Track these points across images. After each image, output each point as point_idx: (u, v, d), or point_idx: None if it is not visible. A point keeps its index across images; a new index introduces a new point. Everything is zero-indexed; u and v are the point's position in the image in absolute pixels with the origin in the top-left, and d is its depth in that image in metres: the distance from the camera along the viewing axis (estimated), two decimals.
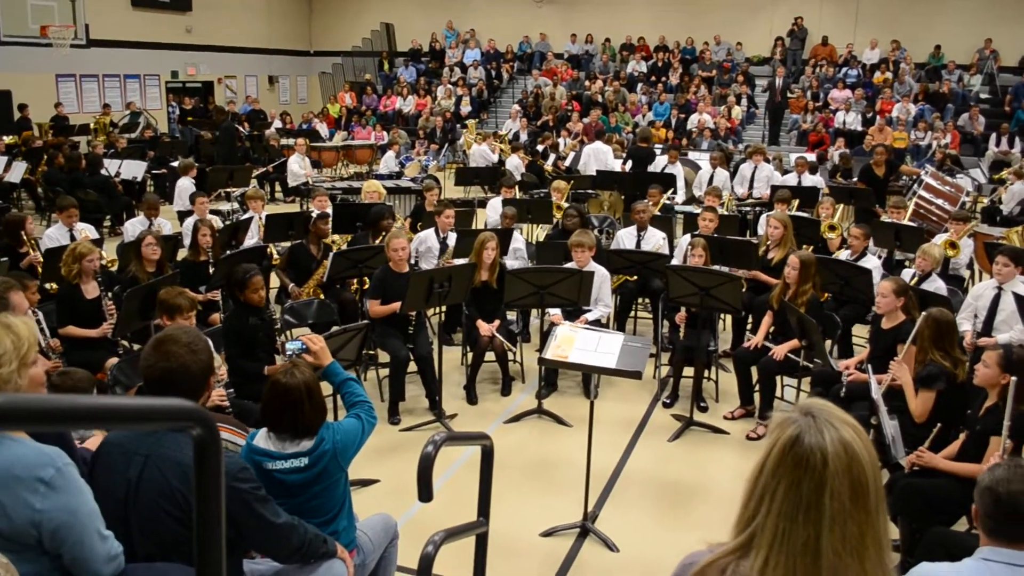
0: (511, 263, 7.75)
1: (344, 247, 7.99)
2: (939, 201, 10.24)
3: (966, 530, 4.23)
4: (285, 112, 21.24)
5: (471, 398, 6.70)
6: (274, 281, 7.57)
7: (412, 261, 7.53)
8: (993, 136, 18.01)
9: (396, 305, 6.22)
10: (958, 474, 4.25)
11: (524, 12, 23.64)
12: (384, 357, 6.69)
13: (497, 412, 6.54)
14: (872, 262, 7.46)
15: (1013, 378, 4.08)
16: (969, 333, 6.30)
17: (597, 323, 6.72)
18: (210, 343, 2.91)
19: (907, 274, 6.99)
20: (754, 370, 6.36)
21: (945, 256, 7.99)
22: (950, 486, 4.24)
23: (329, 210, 8.67)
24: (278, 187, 15.69)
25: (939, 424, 4.52)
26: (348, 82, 23.76)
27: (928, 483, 4.38)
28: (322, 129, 20.38)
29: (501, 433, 6.12)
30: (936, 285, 6.80)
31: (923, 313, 5.02)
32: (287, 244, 8.26)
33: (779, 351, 6.06)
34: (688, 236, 7.80)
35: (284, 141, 17.24)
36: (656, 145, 12.73)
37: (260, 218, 8.83)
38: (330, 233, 8.11)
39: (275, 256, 8.27)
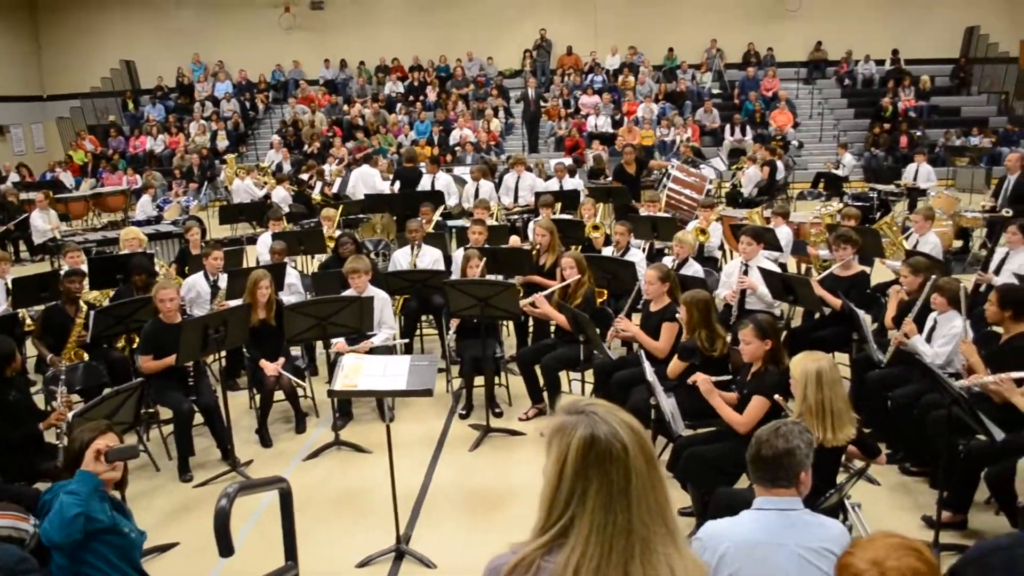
0: (287, 298, 7.58)
1: (106, 303, 7.47)
2: (687, 191, 11.08)
3: (747, 486, 4.61)
4: (22, 164, 19.52)
5: (265, 441, 6.48)
6: (32, 349, 6.96)
7: (184, 309, 7.16)
8: (728, 127, 19.73)
9: (170, 360, 5.92)
10: (720, 412, 4.78)
11: (273, 40, 23.11)
12: (166, 413, 6.33)
13: (294, 451, 6.37)
14: (636, 255, 7.96)
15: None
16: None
17: (386, 346, 6.72)
18: None
19: (667, 261, 7.51)
20: (539, 369, 6.59)
21: (699, 241, 8.69)
22: (730, 449, 4.60)
23: (84, 266, 8.08)
24: (23, 246, 14.43)
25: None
26: (90, 126, 22.23)
27: (710, 449, 4.76)
28: (67, 178, 18.94)
29: (302, 471, 5.98)
30: (694, 269, 7.37)
31: (683, 297, 5.46)
32: (40, 308, 7.59)
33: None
34: (462, 250, 7.97)
35: (24, 195, 15.84)
36: (421, 164, 12.86)
37: (6, 282, 8.07)
38: (82, 291, 7.47)
39: (28, 322, 7.60)
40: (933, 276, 5.95)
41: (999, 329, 5.38)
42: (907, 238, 8.76)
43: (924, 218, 8.43)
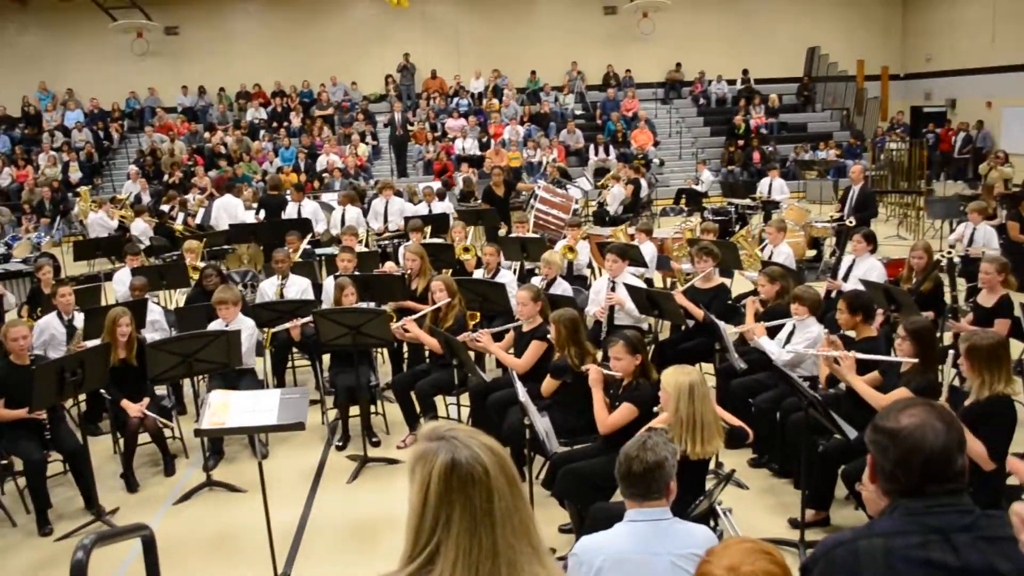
0: (151, 336, 7.28)
1: None
2: (554, 211, 11.30)
3: (622, 500, 4.72)
4: None
5: (131, 486, 6.17)
6: None
7: (39, 351, 6.77)
8: (592, 147, 20.23)
9: (21, 412, 5.60)
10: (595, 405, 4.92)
11: (127, 67, 22.21)
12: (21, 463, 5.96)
13: (164, 495, 6.10)
14: (506, 276, 8.04)
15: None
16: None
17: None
18: None
19: (537, 281, 7.62)
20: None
21: (567, 259, 8.86)
22: (604, 464, 4.69)
23: None
24: None
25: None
26: None
27: (585, 465, 4.84)
28: None
29: (172, 515, 5.75)
30: (563, 288, 7.50)
31: (552, 316, 5.56)
32: None
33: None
34: (332, 278, 7.86)
35: None
36: (286, 191, 12.63)
37: None
38: None
39: None
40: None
41: (851, 333, 5.70)
42: (763, 249, 9.20)
43: (777, 230, 8.87)
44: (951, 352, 6.08)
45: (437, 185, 14.47)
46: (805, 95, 23.45)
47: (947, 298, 7.49)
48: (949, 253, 8.28)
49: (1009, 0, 19.90)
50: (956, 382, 5.68)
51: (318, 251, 10.64)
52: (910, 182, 16.65)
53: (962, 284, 8.63)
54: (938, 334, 6.90)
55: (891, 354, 5.21)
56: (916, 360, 4.87)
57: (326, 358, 7.39)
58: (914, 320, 5.15)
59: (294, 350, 7.85)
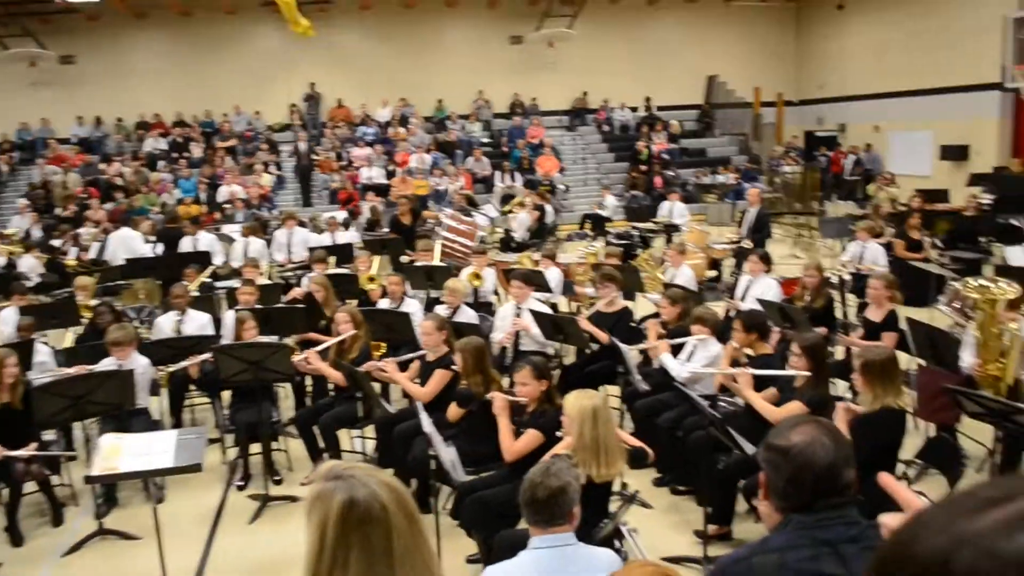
0: (39, 378, 6.94)
1: None
2: (460, 239, 11.32)
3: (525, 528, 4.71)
4: None
5: (16, 539, 5.83)
6: None
7: None
8: (498, 174, 20.35)
9: None
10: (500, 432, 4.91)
11: (17, 97, 21.29)
12: None
13: (51, 546, 5.80)
14: (412, 305, 7.99)
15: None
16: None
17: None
18: None
19: (441, 309, 7.59)
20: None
21: (473, 286, 8.87)
22: (509, 492, 4.68)
23: None
24: None
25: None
26: None
27: (490, 493, 4.82)
28: None
29: (61, 569, 5.48)
30: (467, 315, 7.50)
31: (457, 345, 5.54)
32: None
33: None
34: (232, 312, 7.67)
35: None
36: (185, 223, 12.31)
37: None
38: None
39: None
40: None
41: (750, 351, 5.85)
42: (664, 272, 9.38)
43: (678, 252, 9.08)
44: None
45: (342, 215, 14.34)
46: (705, 121, 24.17)
47: (839, 314, 7.78)
48: (840, 271, 8.60)
49: (894, 31, 20.99)
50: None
51: (218, 284, 10.37)
52: (804, 203, 17.30)
53: (853, 300, 8.97)
54: (830, 349, 7.16)
55: (786, 370, 5.37)
56: (809, 374, 5.04)
57: (226, 395, 7.19)
58: (806, 336, 5.33)
59: (192, 388, 7.61)
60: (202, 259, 10.58)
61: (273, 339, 7.10)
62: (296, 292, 8.79)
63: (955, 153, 19.40)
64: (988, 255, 11.71)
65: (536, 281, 8.09)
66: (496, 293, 9.91)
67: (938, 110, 19.67)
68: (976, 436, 5.86)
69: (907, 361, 6.59)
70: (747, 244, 10.87)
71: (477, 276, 9.06)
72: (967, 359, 5.80)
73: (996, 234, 12.26)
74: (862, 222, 10.61)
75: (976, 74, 17.99)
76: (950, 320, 7.54)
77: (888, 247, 10.58)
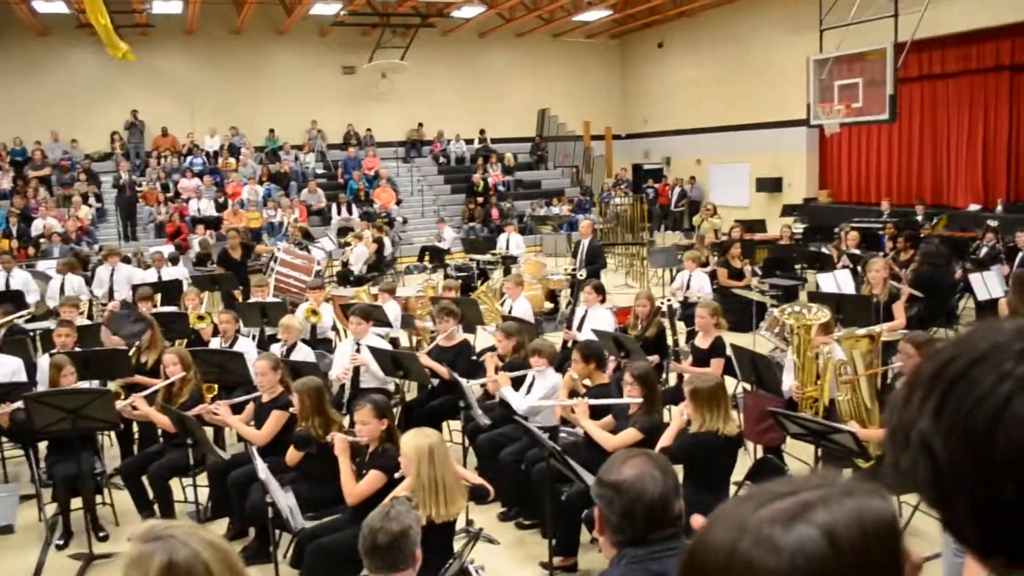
0: None
1: None
2: (296, 273, 11.06)
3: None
4: None
5: None
6: None
7: None
8: (334, 206, 20.07)
9: None
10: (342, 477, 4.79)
11: None
12: None
13: None
14: (245, 344, 7.72)
15: None
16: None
17: None
18: None
19: (276, 348, 7.38)
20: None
21: (311, 322, 8.67)
22: (352, 537, 4.57)
23: None
24: None
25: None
26: None
27: (332, 539, 4.70)
28: None
29: None
30: (304, 353, 7.32)
31: (294, 386, 5.40)
32: None
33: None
34: (47, 356, 7.15)
35: None
36: None
37: None
38: None
39: None
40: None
41: (588, 381, 6.00)
42: (503, 304, 9.50)
43: (515, 284, 9.22)
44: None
45: (169, 249, 13.68)
46: (538, 154, 24.81)
47: (670, 341, 8.11)
48: (669, 300, 8.99)
49: (713, 68, 22.36)
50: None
51: (31, 326, 9.64)
52: (633, 234, 18.02)
53: (682, 328, 9.37)
54: (663, 376, 7.46)
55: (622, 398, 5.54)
56: (641, 401, 5.22)
57: (42, 446, 6.67)
58: (638, 365, 5.53)
59: (3, 439, 7.01)
60: (15, 298, 9.83)
61: (95, 384, 6.66)
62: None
63: (770, 185, 20.84)
64: (803, 282, 12.55)
65: (375, 316, 8.00)
66: (335, 329, 9.73)
67: (753, 144, 21.10)
68: (800, 455, 6.24)
69: (734, 385, 6.95)
70: (581, 275, 11.18)
71: (314, 312, 8.86)
72: (788, 382, 6.16)
73: (808, 261, 13.17)
74: (688, 252, 11.14)
75: (785, 111, 19.40)
76: (771, 345, 8.01)
77: (713, 276, 11.16)
